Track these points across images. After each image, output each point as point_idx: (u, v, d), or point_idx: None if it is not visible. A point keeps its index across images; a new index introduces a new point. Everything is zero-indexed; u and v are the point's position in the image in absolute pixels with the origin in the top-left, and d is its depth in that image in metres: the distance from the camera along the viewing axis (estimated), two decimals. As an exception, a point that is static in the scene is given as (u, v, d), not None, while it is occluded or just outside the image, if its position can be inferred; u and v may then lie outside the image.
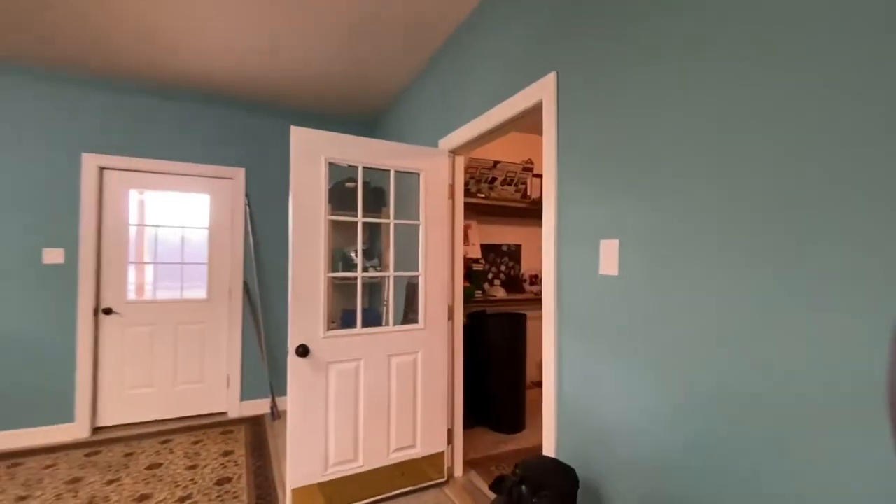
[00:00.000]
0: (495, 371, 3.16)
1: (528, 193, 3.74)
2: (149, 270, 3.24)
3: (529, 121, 1.92)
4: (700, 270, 1.07)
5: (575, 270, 1.49)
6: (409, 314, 2.67)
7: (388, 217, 2.25)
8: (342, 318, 3.50)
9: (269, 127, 3.51)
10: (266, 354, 3.44)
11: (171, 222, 3.28)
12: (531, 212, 3.82)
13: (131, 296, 3.16)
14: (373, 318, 3.33)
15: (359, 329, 2.09)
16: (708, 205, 1.05)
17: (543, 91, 1.62)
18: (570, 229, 1.52)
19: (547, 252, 1.60)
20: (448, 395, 2.37)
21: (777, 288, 0.91)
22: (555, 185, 1.57)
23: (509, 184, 3.62)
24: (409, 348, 2.22)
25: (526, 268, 4.05)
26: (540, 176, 3.86)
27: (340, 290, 3.67)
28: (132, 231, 3.17)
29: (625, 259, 1.29)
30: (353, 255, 3.35)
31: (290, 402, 1.92)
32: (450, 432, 2.39)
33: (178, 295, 3.30)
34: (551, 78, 1.58)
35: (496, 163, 3.49)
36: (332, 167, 2.06)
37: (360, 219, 2.12)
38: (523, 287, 3.94)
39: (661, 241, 1.18)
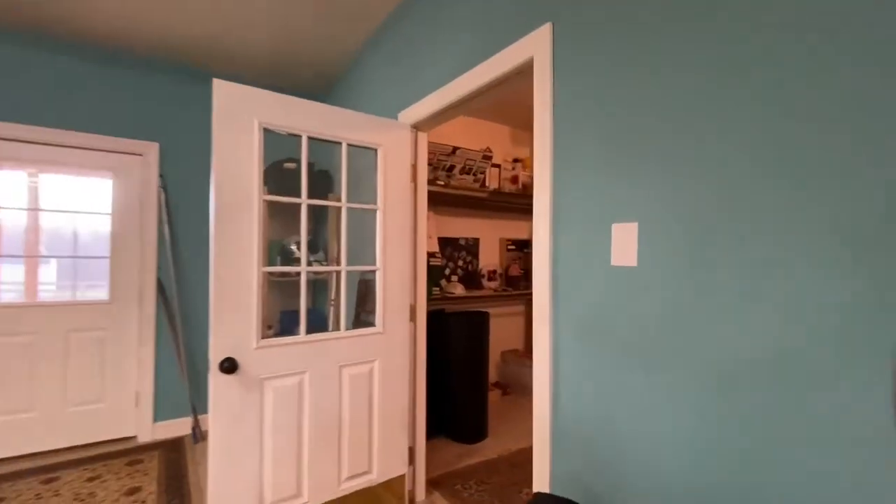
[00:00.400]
0: (456, 375, 2.89)
1: (487, 184, 3.51)
2: (32, 267, 2.59)
3: (501, 94, 1.66)
4: (750, 257, 0.85)
5: (577, 261, 1.24)
6: (361, 315, 2.31)
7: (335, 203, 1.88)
8: (280, 323, 3.04)
9: (191, 94, 2.96)
10: (186, 366, 2.90)
11: (62, 206, 2.65)
12: (489, 204, 3.60)
13: (4, 298, 2.51)
14: (318, 321, 2.92)
15: (303, 336, 1.71)
16: (765, 169, 0.83)
17: (536, 47, 1.35)
18: (570, 210, 1.26)
19: (539, 239, 1.33)
20: (410, 408, 2.05)
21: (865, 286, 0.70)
22: (550, 156, 1.31)
23: (468, 173, 3.37)
24: (364, 356, 1.87)
25: (484, 263, 3.82)
26: (499, 166, 3.64)
27: (277, 289, 3.21)
28: (4, 217, 2.51)
29: (645, 246, 1.05)
30: (293, 247, 2.91)
31: (213, 432, 1.51)
32: (411, 451, 2.07)
33: (71, 296, 2.68)
34: (545, 30, 1.31)
35: (455, 149, 3.20)
36: (269, 137, 1.65)
37: (304, 200, 1.73)
38: (482, 283, 3.70)
39: (695, 222, 0.94)
